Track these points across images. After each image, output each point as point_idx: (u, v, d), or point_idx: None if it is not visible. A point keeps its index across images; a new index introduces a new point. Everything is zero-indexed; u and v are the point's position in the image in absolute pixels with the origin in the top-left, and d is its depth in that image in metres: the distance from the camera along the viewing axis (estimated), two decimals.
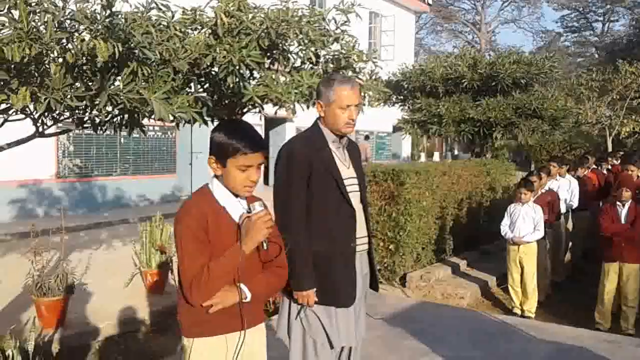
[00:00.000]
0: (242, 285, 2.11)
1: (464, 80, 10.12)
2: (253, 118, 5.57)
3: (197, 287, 2.02)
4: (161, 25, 4.20)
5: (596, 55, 39.61)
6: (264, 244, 2.11)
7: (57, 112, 3.85)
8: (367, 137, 19.74)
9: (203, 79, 4.89)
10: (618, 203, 5.86)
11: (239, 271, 2.07)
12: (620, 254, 5.80)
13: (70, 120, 4.28)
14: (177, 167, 13.73)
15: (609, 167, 9.72)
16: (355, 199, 2.91)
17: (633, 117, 16.62)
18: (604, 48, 38.19)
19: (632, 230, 5.71)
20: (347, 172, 2.91)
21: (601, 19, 41.57)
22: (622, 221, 5.79)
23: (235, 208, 2.15)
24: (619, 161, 9.56)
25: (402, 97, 11.59)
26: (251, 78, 4.95)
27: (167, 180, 13.48)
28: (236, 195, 2.15)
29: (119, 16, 3.59)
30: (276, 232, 2.21)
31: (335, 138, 2.91)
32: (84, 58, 3.51)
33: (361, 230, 2.95)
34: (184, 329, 2.19)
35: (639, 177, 7.23)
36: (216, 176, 2.16)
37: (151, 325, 5.18)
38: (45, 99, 3.32)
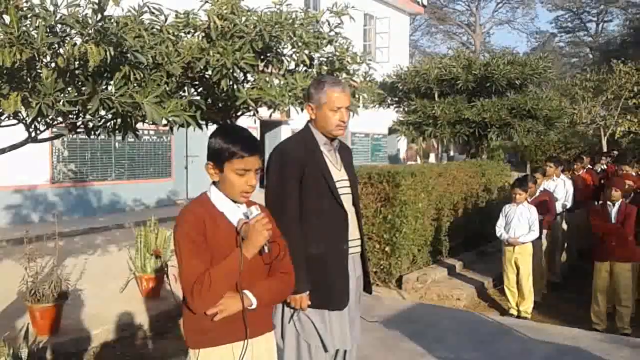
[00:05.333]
0: (247, 292, 2.08)
1: (458, 82, 10.14)
2: (248, 121, 5.55)
3: (198, 293, 1.99)
4: (154, 29, 4.18)
5: (590, 56, 39.76)
6: (265, 247, 2.09)
7: (49, 117, 3.83)
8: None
9: (196, 83, 4.87)
10: (608, 202, 5.90)
11: (242, 277, 2.04)
12: (610, 253, 5.84)
13: (63, 125, 4.25)
14: (173, 171, 13.70)
15: (604, 166, 9.75)
16: (347, 201, 2.91)
17: (627, 116, 16.68)
18: (598, 48, 38.35)
19: (622, 229, 5.74)
20: (338, 174, 2.91)
21: (595, 19, 41.72)
22: (613, 220, 5.83)
23: (234, 212, 2.13)
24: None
25: (397, 99, 11.61)
26: (245, 81, 4.94)
27: (162, 185, 13.44)
28: (234, 202, 2.13)
29: (111, 20, 3.57)
30: (277, 232, 2.20)
31: (327, 140, 2.91)
32: (76, 62, 3.49)
33: (353, 232, 2.94)
34: (188, 339, 2.14)
35: (633, 175, 7.24)
36: (214, 183, 2.15)
37: (148, 330, 5.16)
38: (36, 104, 3.30)
